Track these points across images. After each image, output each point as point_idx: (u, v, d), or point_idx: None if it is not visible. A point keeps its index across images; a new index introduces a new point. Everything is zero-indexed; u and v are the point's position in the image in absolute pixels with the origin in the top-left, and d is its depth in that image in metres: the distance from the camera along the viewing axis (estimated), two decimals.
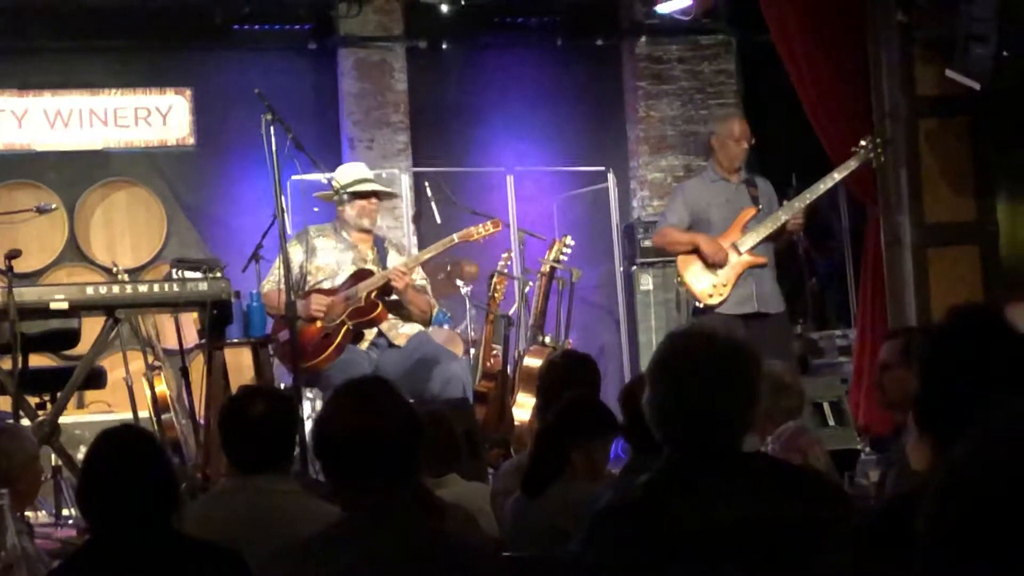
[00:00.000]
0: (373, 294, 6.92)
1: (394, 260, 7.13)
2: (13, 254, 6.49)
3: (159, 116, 9.99)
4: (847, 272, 9.62)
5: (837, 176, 7.68)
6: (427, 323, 7.28)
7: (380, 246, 7.23)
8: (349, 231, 7.17)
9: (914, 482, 3.19)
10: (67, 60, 9.89)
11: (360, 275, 6.99)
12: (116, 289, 6.39)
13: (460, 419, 5.52)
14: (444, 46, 10.39)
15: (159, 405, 7.20)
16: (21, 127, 9.76)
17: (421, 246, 9.09)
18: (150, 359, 7.43)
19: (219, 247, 9.39)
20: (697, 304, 7.57)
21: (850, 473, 6.68)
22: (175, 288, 6.37)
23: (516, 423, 7.74)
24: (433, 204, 9.33)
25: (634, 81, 10.61)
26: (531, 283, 8.72)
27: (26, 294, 6.19)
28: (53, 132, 9.80)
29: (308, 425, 7.51)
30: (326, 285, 7.03)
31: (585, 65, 10.72)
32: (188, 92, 10.02)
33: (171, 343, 7.64)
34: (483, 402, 7.84)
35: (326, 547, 2.68)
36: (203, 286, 6.36)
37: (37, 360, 7.00)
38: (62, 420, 6.54)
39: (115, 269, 7.96)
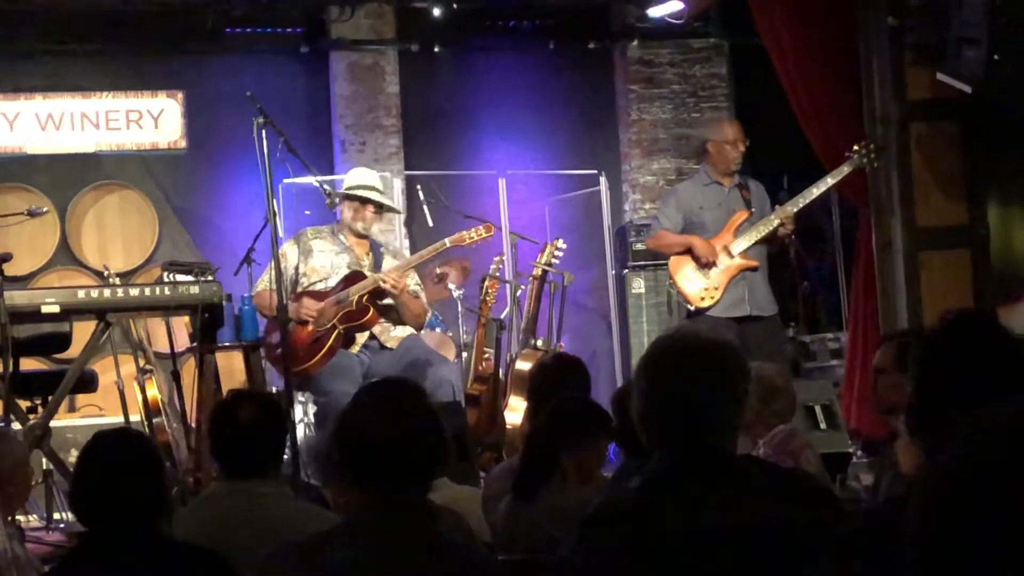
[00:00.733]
0: (364, 298, 6.91)
1: (389, 266, 7.12)
2: (4, 257, 6.47)
3: (151, 119, 9.98)
4: (839, 275, 9.62)
5: (831, 181, 7.69)
6: (420, 327, 7.28)
7: (376, 251, 7.23)
8: (346, 234, 7.17)
9: (906, 486, 3.19)
10: (59, 63, 9.88)
11: (352, 278, 6.98)
12: (107, 292, 6.39)
13: (451, 422, 5.51)
14: (436, 49, 10.39)
15: (150, 409, 7.19)
16: (12, 130, 9.75)
17: (413, 249, 9.09)
18: (141, 363, 7.43)
19: (211, 250, 9.39)
20: (689, 307, 7.57)
21: (842, 476, 6.69)
22: (166, 291, 6.36)
23: (508, 426, 7.74)
24: (425, 207, 9.34)
25: (626, 85, 10.61)
26: (523, 286, 8.72)
27: (17, 297, 6.18)
28: (44, 135, 9.80)
29: (300, 429, 7.52)
30: (319, 287, 7.03)
31: (577, 68, 10.72)
32: (180, 95, 10.02)
33: (162, 346, 7.64)
34: (475, 405, 7.84)
35: (329, 547, 2.67)
36: (195, 289, 6.35)
37: (28, 364, 7.00)
38: (53, 424, 6.54)
39: (106, 272, 7.98)
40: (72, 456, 6.58)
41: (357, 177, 7.29)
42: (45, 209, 8.26)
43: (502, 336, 8.36)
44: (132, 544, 2.98)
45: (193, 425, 6.67)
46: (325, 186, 7.04)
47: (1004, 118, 8.09)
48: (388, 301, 6.97)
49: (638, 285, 9.84)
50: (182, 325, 7.09)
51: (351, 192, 7.13)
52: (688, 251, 7.56)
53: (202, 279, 6.49)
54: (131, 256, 9.75)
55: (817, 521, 2.46)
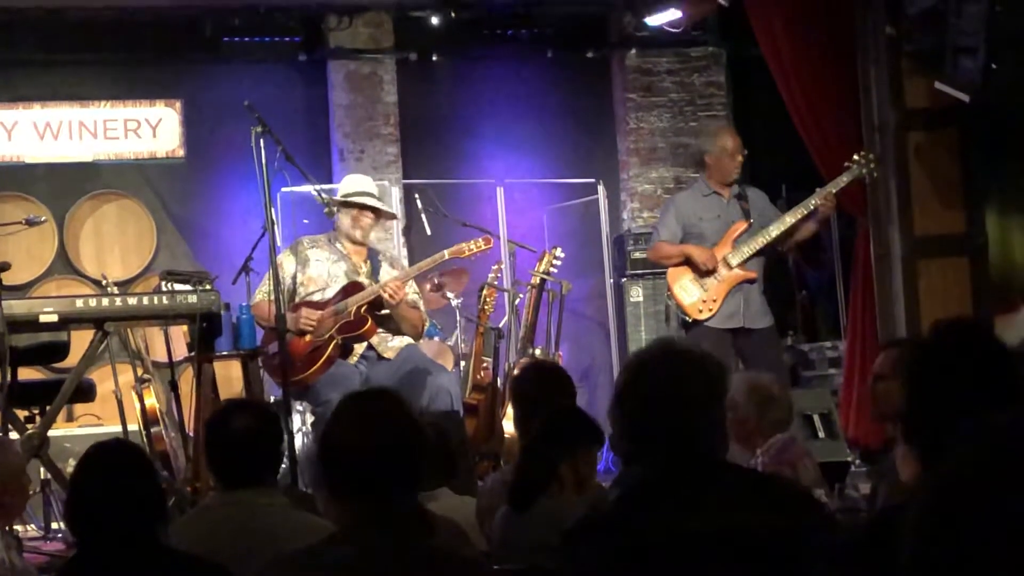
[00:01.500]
0: (363, 308, 6.90)
1: (387, 273, 7.11)
2: (2, 266, 6.46)
3: (149, 128, 9.99)
4: (837, 284, 9.62)
5: (832, 190, 7.68)
6: (419, 337, 7.27)
7: (374, 259, 7.22)
8: (344, 242, 7.16)
9: (904, 495, 3.19)
10: (57, 72, 9.89)
11: (350, 288, 6.97)
12: (106, 302, 6.38)
13: (449, 432, 5.52)
14: (434, 58, 10.40)
15: (148, 418, 7.19)
16: (11, 139, 9.76)
17: (411, 258, 9.09)
18: (139, 372, 7.43)
19: (209, 259, 9.38)
20: (686, 318, 7.56)
21: (840, 485, 6.66)
22: (164, 300, 6.36)
23: (506, 436, 7.72)
24: (423, 216, 9.34)
25: (624, 93, 10.62)
26: (521, 295, 8.72)
27: (15, 307, 6.18)
28: (43, 144, 9.80)
29: (298, 438, 7.51)
30: (316, 297, 7.01)
31: (575, 77, 10.73)
32: (178, 104, 10.02)
33: (160, 356, 7.63)
34: (473, 415, 7.83)
35: (322, 558, 2.67)
36: (192, 298, 6.34)
37: (26, 373, 6.99)
38: (51, 433, 6.53)
39: (104, 281, 7.98)
40: (70, 466, 6.57)
41: (353, 184, 7.27)
42: (43, 218, 8.28)
43: (500, 345, 8.35)
44: (130, 554, 2.97)
45: (191, 434, 6.66)
46: (323, 195, 7.04)
47: (1002, 127, 8.10)
48: (386, 311, 6.96)
49: (636, 294, 9.84)
50: (180, 334, 7.08)
51: (348, 199, 7.12)
52: (686, 262, 7.56)
53: (200, 288, 6.47)
54: (129, 265, 9.75)
55: (798, 527, 2.47)
